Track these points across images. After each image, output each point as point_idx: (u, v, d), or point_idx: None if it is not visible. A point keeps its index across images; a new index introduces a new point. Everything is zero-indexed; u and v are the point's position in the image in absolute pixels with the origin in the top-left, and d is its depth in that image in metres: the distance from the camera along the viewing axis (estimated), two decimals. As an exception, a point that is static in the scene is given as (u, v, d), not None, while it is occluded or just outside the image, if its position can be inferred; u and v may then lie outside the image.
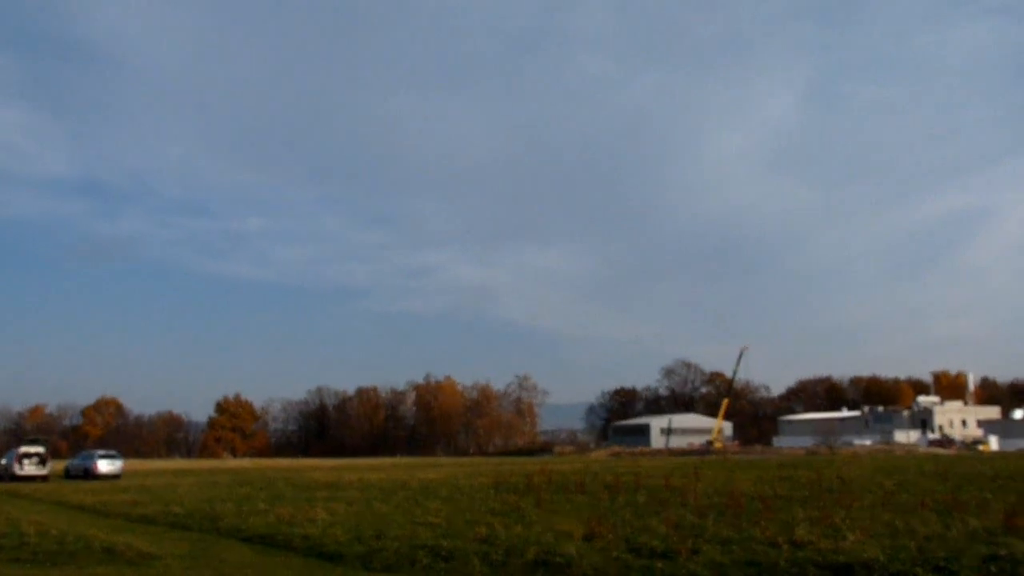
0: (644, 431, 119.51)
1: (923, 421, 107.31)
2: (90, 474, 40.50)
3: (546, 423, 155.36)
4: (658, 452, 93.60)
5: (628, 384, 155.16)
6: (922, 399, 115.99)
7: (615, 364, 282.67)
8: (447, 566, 10.77)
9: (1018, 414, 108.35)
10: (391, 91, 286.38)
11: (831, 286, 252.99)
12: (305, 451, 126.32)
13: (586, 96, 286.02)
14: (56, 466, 43.70)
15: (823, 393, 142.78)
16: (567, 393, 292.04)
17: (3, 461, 39.76)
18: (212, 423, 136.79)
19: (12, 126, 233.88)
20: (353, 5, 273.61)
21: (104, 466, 41.04)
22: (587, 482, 25.17)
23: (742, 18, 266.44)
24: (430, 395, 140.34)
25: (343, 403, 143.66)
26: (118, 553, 12.48)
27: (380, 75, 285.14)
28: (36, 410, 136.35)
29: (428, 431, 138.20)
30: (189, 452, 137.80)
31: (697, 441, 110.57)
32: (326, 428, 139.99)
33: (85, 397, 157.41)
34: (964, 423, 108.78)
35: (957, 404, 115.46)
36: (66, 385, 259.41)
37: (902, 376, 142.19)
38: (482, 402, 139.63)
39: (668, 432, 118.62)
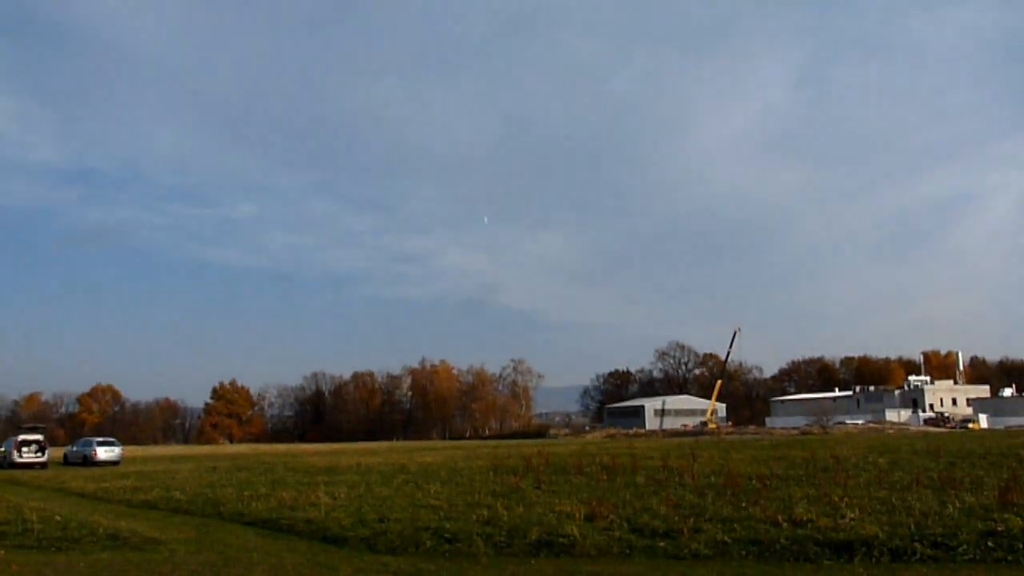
0: (639, 413, 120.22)
1: (914, 400, 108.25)
2: (89, 461, 40.67)
3: (541, 406, 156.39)
4: (653, 433, 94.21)
5: (622, 367, 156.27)
6: (913, 379, 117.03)
7: (609, 347, 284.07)
8: (451, 548, 10.86)
9: (1007, 392, 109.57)
10: (382, 75, 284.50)
11: (822, 268, 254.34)
12: (301, 436, 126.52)
13: (578, 80, 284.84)
14: (54, 453, 43.80)
15: (815, 374, 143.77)
16: (562, 376, 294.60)
17: (2, 449, 39.80)
18: (208, 409, 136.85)
19: (1, 113, 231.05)
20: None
21: (103, 453, 41.23)
22: (585, 464, 25.31)
23: (734, 1, 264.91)
24: (426, 379, 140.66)
25: (339, 388, 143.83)
26: (123, 538, 12.53)
27: (371, 60, 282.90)
28: (32, 398, 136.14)
29: (424, 415, 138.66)
30: (186, 438, 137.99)
31: (691, 422, 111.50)
32: (322, 413, 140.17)
33: (81, 385, 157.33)
34: (954, 402, 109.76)
35: (947, 383, 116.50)
36: (62, 373, 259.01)
37: (893, 356, 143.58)
38: (477, 386, 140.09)
39: (662, 413, 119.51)
